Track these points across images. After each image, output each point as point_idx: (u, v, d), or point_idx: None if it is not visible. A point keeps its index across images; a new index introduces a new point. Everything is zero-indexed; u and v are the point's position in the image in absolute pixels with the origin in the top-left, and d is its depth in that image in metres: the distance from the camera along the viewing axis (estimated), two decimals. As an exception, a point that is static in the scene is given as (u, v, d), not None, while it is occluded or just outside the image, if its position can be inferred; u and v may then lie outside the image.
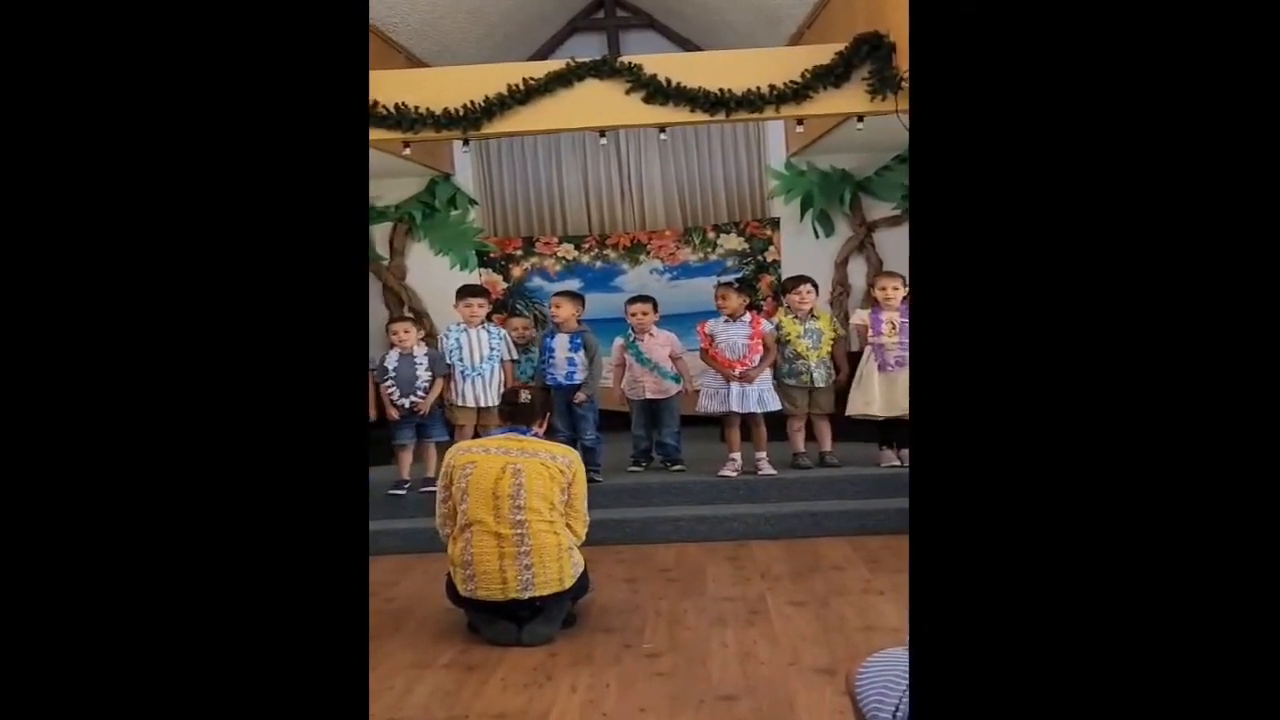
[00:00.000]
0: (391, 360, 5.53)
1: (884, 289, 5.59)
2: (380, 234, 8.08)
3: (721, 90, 5.73)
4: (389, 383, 5.49)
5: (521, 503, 3.56)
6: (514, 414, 3.88)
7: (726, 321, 5.58)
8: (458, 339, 5.65)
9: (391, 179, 7.78)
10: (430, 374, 5.54)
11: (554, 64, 5.90)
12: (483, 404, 5.51)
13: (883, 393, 5.38)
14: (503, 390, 5.34)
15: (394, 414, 5.49)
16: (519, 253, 8.07)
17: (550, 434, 5.25)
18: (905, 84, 5.60)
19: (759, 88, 5.72)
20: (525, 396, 3.91)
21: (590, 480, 5.29)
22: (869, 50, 5.70)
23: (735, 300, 5.62)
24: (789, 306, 5.74)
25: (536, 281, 7.99)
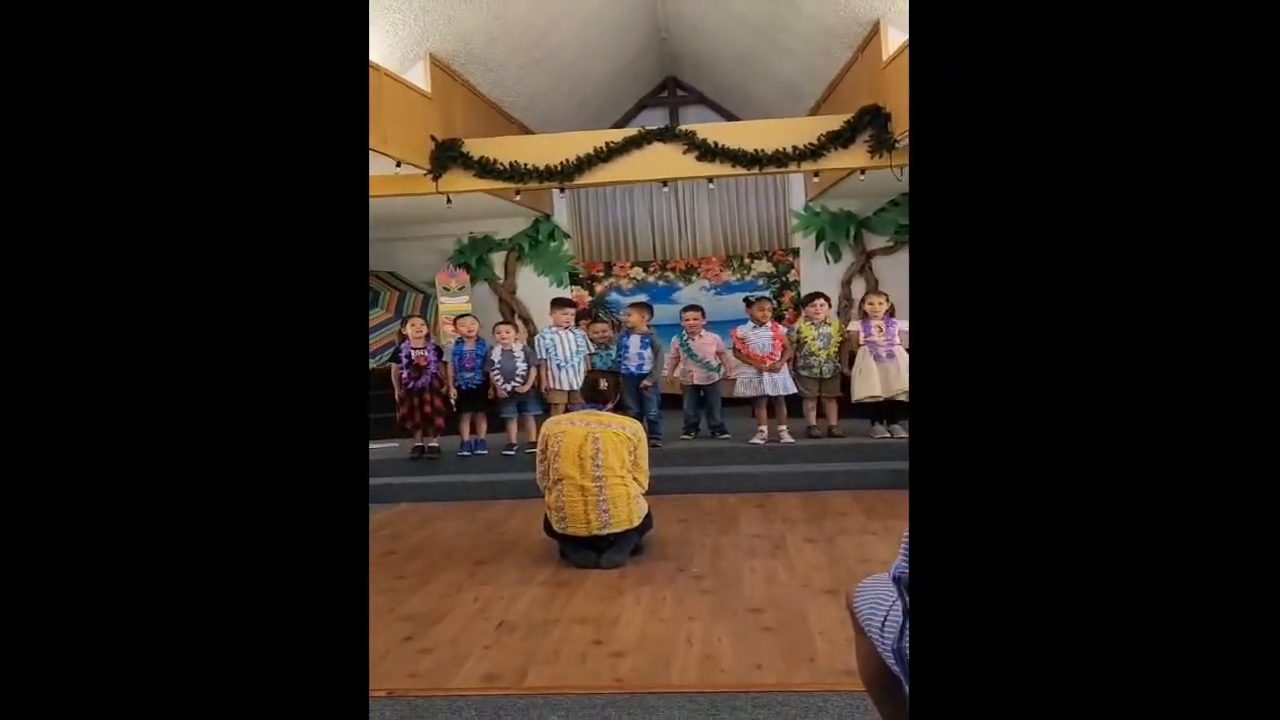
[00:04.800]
0: (496, 354, 5.54)
1: (871, 304, 5.54)
2: (498, 259, 8.22)
3: (756, 150, 5.73)
4: (496, 371, 5.51)
5: (600, 463, 3.57)
6: (593, 396, 3.90)
7: (754, 328, 5.56)
8: (551, 339, 5.64)
9: (506, 218, 7.89)
10: (526, 365, 5.56)
11: (628, 131, 5.93)
12: (572, 388, 5.52)
13: (881, 379, 5.32)
14: (584, 377, 5.34)
15: (499, 395, 5.54)
16: (601, 274, 8.13)
17: (622, 410, 5.28)
18: (898, 145, 5.53)
19: (784, 148, 5.71)
20: (603, 384, 3.92)
21: (653, 445, 5.34)
22: (870, 119, 5.65)
23: (770, 313, 5.66)
24: (807, 316, 5.69)
25: (614, 296, 8.05)
